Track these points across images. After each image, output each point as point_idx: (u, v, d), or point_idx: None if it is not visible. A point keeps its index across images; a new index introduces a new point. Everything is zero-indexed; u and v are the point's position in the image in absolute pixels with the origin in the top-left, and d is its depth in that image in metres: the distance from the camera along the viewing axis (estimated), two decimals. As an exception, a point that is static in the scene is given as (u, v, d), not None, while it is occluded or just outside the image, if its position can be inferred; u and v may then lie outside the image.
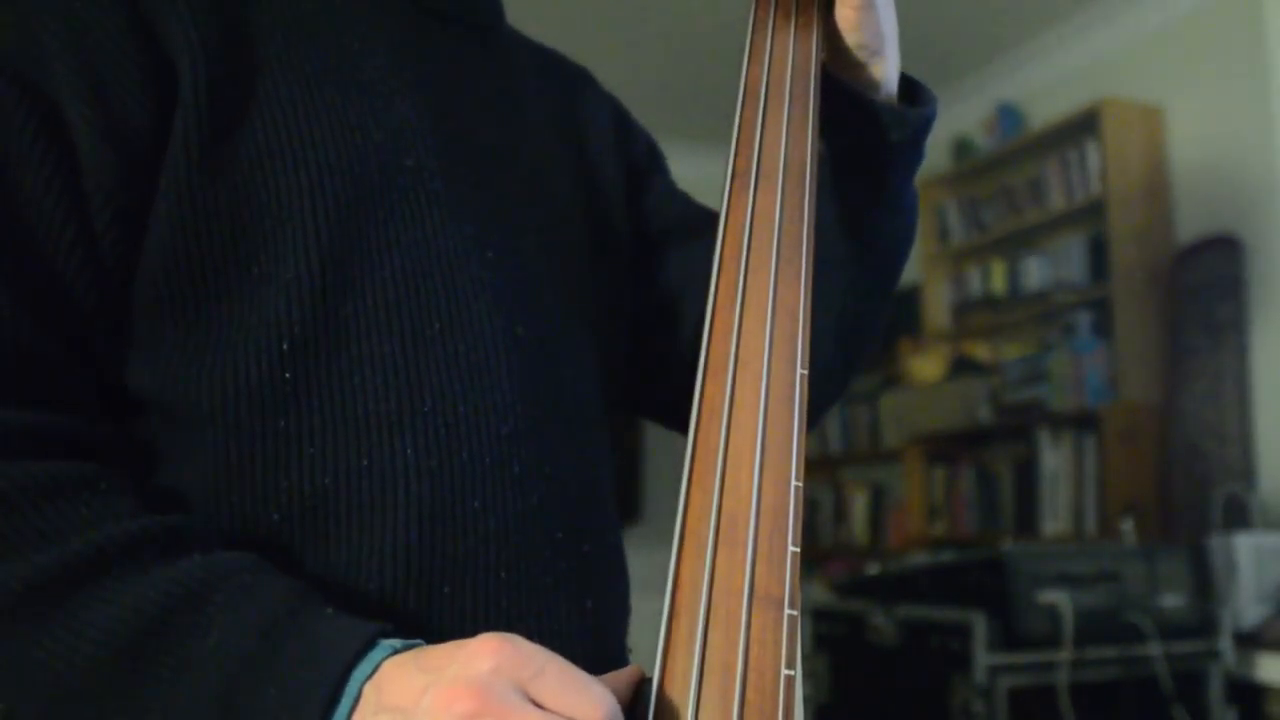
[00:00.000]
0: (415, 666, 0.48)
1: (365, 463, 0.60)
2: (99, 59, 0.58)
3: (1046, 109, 3.70)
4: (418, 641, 0.51)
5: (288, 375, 0.59)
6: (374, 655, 0.49)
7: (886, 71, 0.73)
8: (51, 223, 0.57)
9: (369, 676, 0.48)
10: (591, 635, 0.65)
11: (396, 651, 0.50)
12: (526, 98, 0.78)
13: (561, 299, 0.72)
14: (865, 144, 0.74)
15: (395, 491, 0.60)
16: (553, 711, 0.45)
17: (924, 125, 0.76)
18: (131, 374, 0.61)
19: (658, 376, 0.84)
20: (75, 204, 0.57)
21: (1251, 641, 2.42)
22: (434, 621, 0.59)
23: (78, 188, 0.57)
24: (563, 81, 0.85)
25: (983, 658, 2.21)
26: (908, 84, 0.76)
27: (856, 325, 0.81)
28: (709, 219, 0.86)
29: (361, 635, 0.50)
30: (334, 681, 0.48)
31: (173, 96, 0.59)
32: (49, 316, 0.57)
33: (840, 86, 0.73)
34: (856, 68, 0.72)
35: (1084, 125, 3.44)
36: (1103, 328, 3.36)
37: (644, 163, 0.88)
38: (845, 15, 0.70)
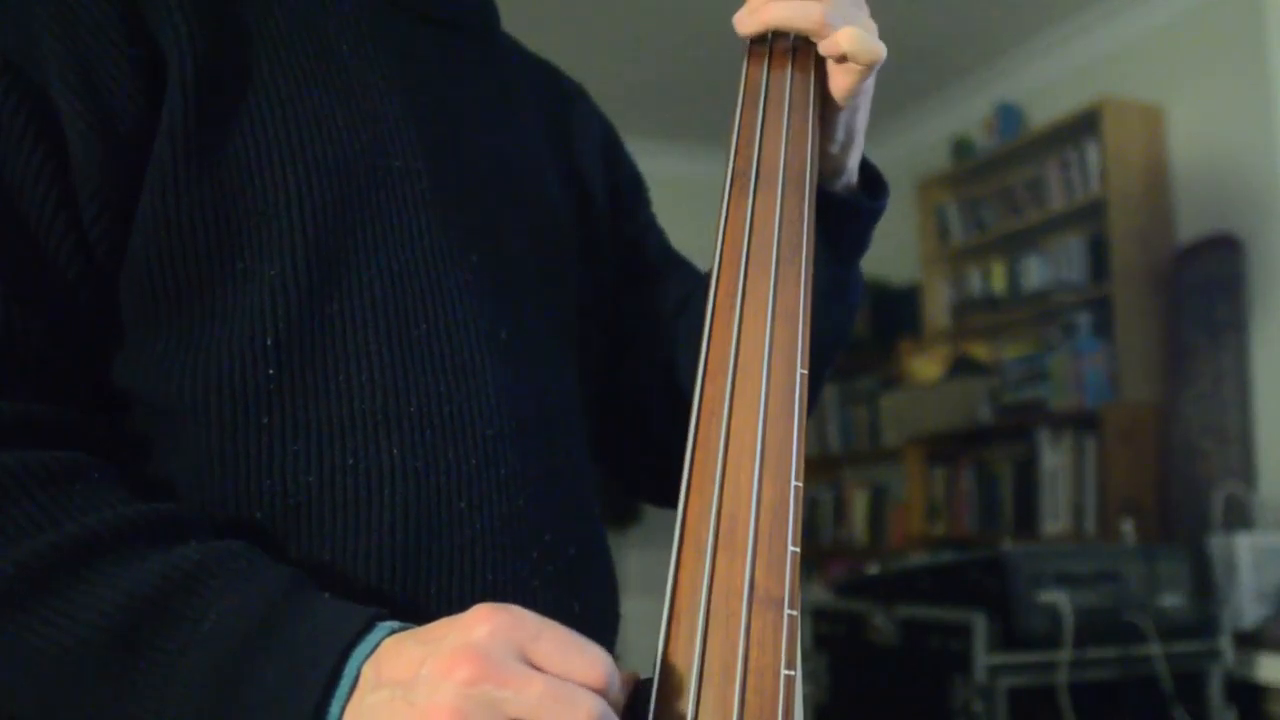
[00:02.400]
0: (412, 641, 0.48)
1: (350, 461, 0.60)
2: (90, 51, 0.58)
3: (1046, 109, 3.70)
4: (414, 625, 0.51)
5: (271, 372, 0.59)
6: (372, 637, 0.49)
7: (851, 162, 0.75)
8: (41, 213, 0.57)
9: (367, 657, 0.48)
10: None
11: (394, 632, 0.50)
12: (519, 103, 0.78)
13: (544, 303, 0.72)
14: (821, 231, 0.74)
15: (381, 491, 0.60)
16: (552, 673, 0.45)
17: (876, 217, 0.78)
18: (117, 368, 0.61)
19: (629, 429, 0.83)
20: (64, 195, 0.57)
21: (1251, 641, 2.42)
22: (420, 623, 0.59)
23: (67, 179, 0.57)
24: (557, 92, 0.85)
25: (983, 658, 2.21)
26: (865, 170, 0.78)
27: None
28: (681, 260, 0.87)
29: (359, 618, 0.50)
30: (332, 663, 0.48)
31: (162, 90, 0.59)
32: (39, 307, 0.57)
33: None
34: (825, 158, 0.73)
35: (1084, 125, 3.44)
36: (1103, 328, 3.36)
37: (629, 190, 0.88)
38: (832, 112, 0.71)
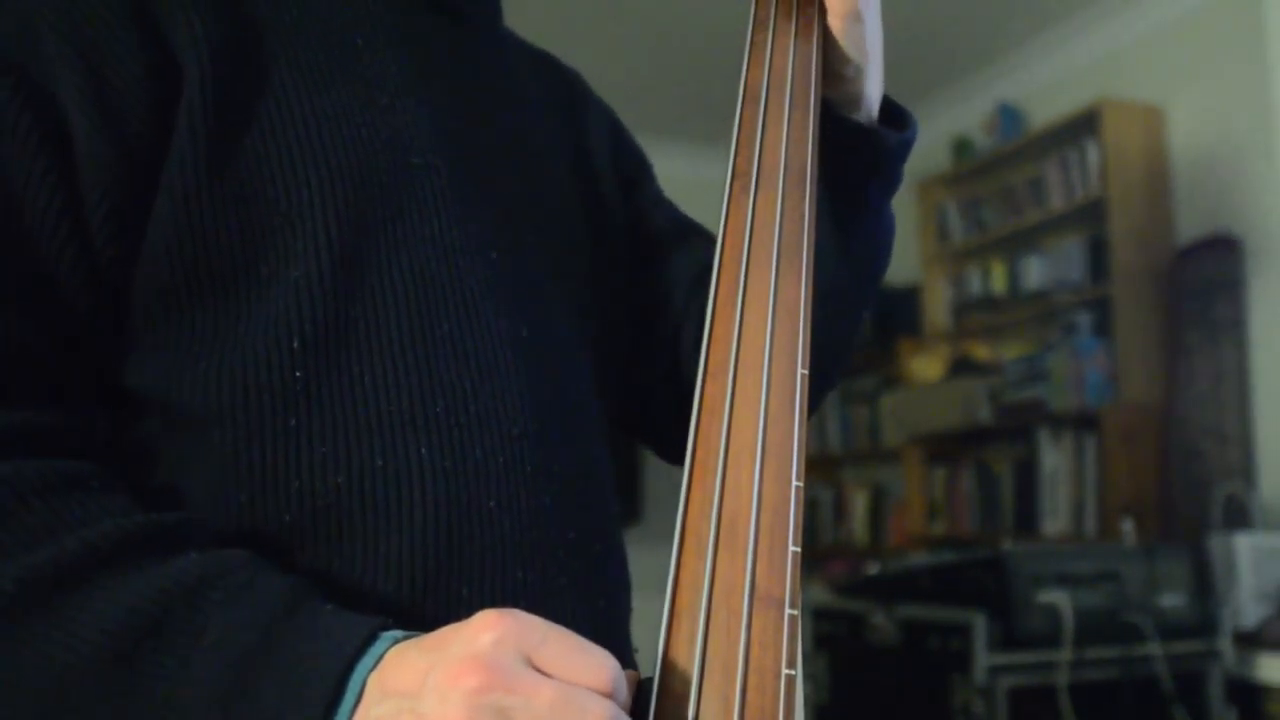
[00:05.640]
0: (415, 650, 0.47)
1: (379, 463, 0.59)
2: (99, 52, 0.57)
3: (1046, 109, 3.70)
4: (419, 634, 0.50)
5: (298, 374, 0.58)
6: (375, 649, 0.49)
7: (868, 90, 0.73)
8: (45, 219, 0.56)
9: (371, 670, 0.48)
10: (604, 635, 0.64)
11: (398, 642, 0.49)
12: (527, 92, 0.78)
13: (560, 298, 0.72)
14: (841, 162, 0.73)
15: (411, 492, 0.59)
16: (559, 679, 0.45)
17: (902, 149, 0.75)
18: (132, 373, 0.60)
19: (650, 391, 0.84)
20: (70, 200, 0.56)
21: (1251, 641, 2.42)
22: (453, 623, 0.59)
23: (73, 183, 0.56)
24: (560, 81, 0.85)
25: (983, 658, 2.21)
26: (890, 107, 0.76)
27: (827, 341, 0.77)
28: (695, 229, 0.87)
29: (363, 629, 0.49)
30: (335, 678, 0.47)
31: (176, 93, 0.58)
32: (40, 313, 0.56)
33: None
34: (840, 82, 0.72)
35: (1084, 125, 3.44)
36: (1103, 328, 3.36)
37: (636, 169, 0.88)
38: (834, 26, 0.70)
